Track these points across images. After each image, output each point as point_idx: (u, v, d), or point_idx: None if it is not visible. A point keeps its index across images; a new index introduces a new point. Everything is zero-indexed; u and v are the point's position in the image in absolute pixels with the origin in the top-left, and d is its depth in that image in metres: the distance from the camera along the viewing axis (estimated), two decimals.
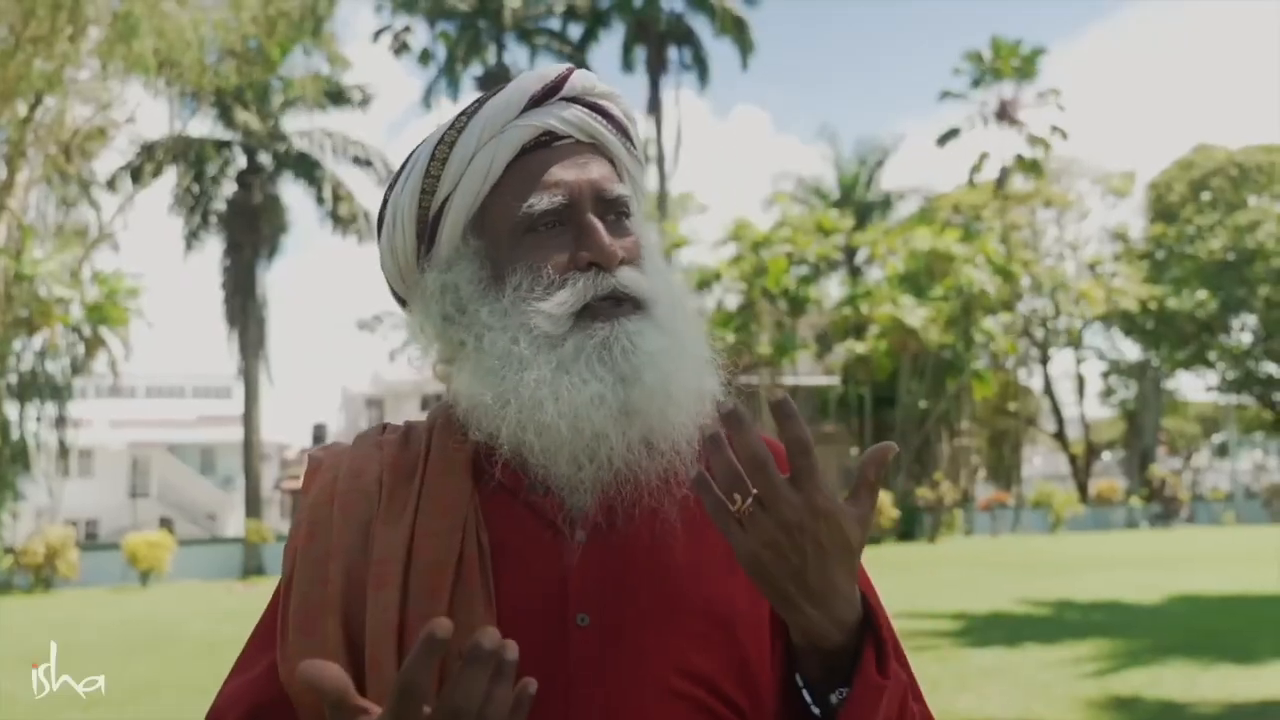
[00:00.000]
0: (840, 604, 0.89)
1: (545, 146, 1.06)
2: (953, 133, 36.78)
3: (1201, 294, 36.34)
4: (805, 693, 0.93)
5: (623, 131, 1.12)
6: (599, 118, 1.09)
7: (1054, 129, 36.11)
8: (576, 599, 1.00)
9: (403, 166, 1.12)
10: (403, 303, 1.16)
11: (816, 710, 0.93)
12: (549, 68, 1.11)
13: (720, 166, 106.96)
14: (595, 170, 1.07)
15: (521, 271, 1.03)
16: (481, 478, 1.05)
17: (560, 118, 1.07)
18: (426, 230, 1.09)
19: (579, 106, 1.08)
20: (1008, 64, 35.91)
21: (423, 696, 0.78)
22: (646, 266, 1.07)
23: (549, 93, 1.08)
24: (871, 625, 0.92)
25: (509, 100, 1.07)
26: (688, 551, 1.03)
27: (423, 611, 0.97)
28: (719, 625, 1.01)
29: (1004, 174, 36.57)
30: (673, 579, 1.02)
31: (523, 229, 1.04)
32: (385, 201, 1.13)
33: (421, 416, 1.18)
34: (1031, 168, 36.39)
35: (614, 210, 1.06)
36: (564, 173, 1.05)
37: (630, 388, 0.99)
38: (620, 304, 1.02)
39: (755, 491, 0.85)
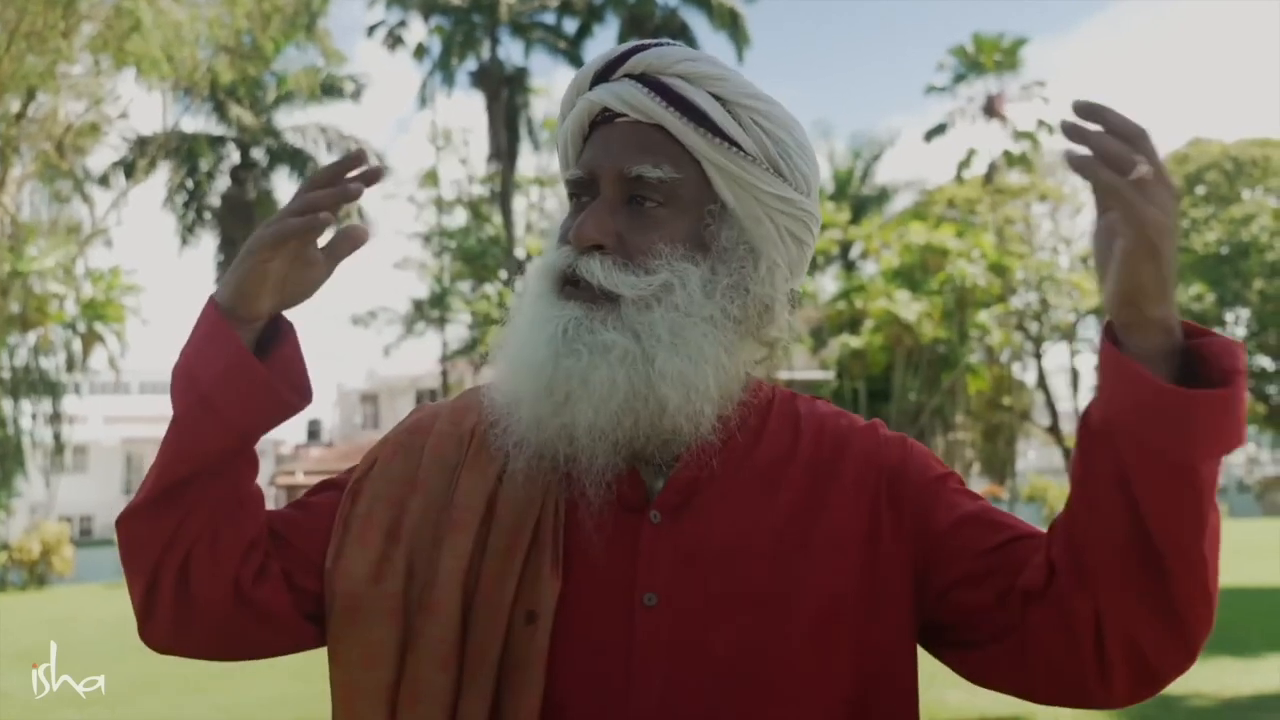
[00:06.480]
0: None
1: (609, 122, 1.08)
2: (940, 128, 36.78)
3: (1196, 288, 36.43)
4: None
5: (693, 114, 1.04)
6: (657, 97, 1.04)
7: (1040, 123, 36.11)
8: (645, 579, 1.00)
9: None
10: None
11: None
12: (624, 45, 1.10)
13: None
14: (629, 149, 1.04)
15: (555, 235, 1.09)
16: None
17: (616, 94, 1.06)
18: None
19: (638, 84, 1.05)
20: (990, 58, 35.91)
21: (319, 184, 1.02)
22: (658, 260, 1.01)
23: (610, 68, 1.08)
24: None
25: (583, 74, 1.10)
26: (768, 539, 1.03)
27: (494, 568, 1.01)
28: (788, 613, 1.00)
29: (992, 169, 36.59)
30: (747, 565, 1.01)
31: (569, 197, 1.10)
32: None
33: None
34: (1020, 161, 36.40)
35: (637, 191, 1.04)
36: (594, 149, 1.07)
37: (556, 369, 0.99)
38: (579, 287, 1.02)
39: (1141, 158, 0.82)
